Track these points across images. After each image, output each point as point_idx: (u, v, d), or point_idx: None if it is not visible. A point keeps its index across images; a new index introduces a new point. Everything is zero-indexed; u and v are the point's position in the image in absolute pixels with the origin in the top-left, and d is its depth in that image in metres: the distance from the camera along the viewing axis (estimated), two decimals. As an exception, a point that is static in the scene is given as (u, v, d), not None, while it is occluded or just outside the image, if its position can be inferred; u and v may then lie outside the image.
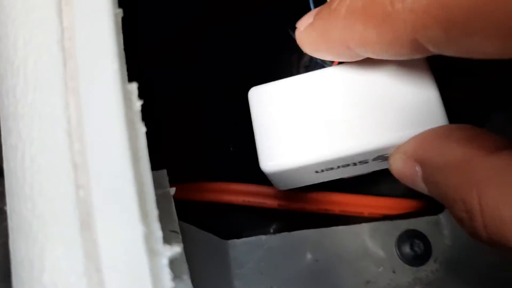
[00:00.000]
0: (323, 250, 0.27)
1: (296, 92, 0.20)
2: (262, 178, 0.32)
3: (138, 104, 0.13)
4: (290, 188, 0.23)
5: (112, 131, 0.12)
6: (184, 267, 0.16)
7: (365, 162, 0.20)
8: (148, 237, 0.12)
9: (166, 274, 0.12)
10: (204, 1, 0.32)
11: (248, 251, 0.26)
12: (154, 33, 0.31)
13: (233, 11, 0.32)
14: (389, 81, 0.19)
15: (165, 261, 0.12)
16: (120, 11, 0.14)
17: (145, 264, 0.11)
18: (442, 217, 0.29)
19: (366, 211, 0.30)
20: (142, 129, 0.13)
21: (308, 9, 0.25)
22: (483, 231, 0.14)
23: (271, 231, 0.31)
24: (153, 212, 0.12)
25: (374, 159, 0.20)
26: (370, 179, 0.32)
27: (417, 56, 0.16)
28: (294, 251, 0.26)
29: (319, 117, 0.19)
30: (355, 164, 0.20)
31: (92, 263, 0.11)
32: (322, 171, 0.20)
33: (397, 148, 0.18)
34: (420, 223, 0.28)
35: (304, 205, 0.30)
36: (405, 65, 0.19)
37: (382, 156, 0.20)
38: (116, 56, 0.13)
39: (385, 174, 0.31)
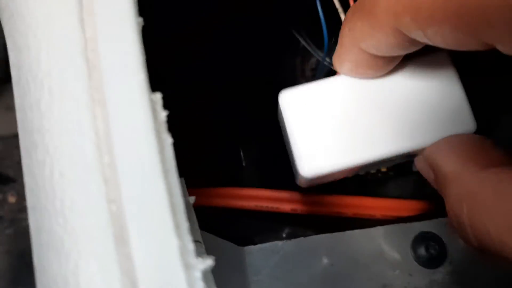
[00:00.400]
0: (339, 254, 0.26)
1: (328, 95, 0.20)
2: (273, 181, 0.32)
3: (163, 114, 0.13)
4: (313, 185, 0.23)
5: (142, 143, 0.12)
6: (210, 277, 0.16)
7: (392, 161, 0.21)
8: (182, 251, 0.11)
9: (200, 286, 0.12)
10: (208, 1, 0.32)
11: (264, 257, 0.26)
12: (160, 36, 0.31)
13: (237, 11, 0.32)
14: (416, 83, 0.20)
15: (198, 275, 0.12)
16: (141, 20, 0.13)
17: (182, 278, 0.11)
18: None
19: (378, 213, 0.30)
20: (168, 139, 0.13)
21: (314, 12, 0.25)
22: (474, 241, 0.15)
23: (284, 235, 0.31)
24: (184, 224, 0.12)
25: (401, 159, 0.21)
26: (379, 181, 0.31)
27: (412, 48, 0.17)
28: (310, 256, 0.26)
29: (352, 121, 0.20)
30: (383, 162, 0.21)
31: (128, 278, 0.11)
32: (354, 168, 0.21)
33: (422, 150, 0.20)
34: (434, 225, 0.28)
35: (317, 208, 0.30)
36: (429, 64, 0.20)
37: (409, 156, 0.21)
38: (141, 67, 0.12)
39: (394, 177, 0.31)
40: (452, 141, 0.18)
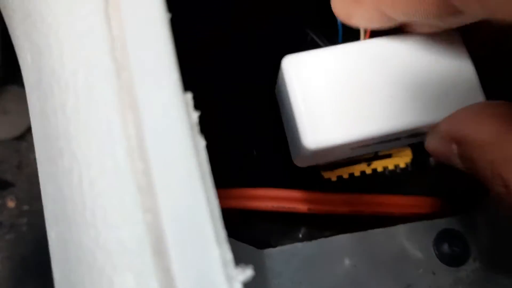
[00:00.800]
0: (361, 255, 0.26)
1: (333, 64, 0.19)
2: (286, 180, 0.31)
3: (195, 115, 0.12)
4: (312, 164, 0.23)
5: (178, 147, 0.11)
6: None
7: (398, 139, 0.20)
8: (223, 261, 0.11)
9: (242, 300, 0.11)
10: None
11: (284, 260, 0.25)
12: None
13: (252, 10, 0.31)
14: (424, 58, 0.19)
15: (239, 286, 0.11)
16: (169, 16, 0.13)
17: (225, 291, 0.10)
18: (477, 214, 0.28)
19: (397, 211, 0.29)
20: (202, 142, 0.12)
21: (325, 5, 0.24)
22: None
23: (300, 236, 0.30)
24: (222, 232, 0.11)
25: (408, 136, 0.20)
26: (398, 178, 0.31)
27: (448, 18, 0.16)
28: (332, 257, 0.25)
29: (358, 93, 0.19)
30: (388, 141, 0.20)
31: (168, 294, 0.10)
32: (358, 147, 0.20)
33: (433, 127, 0.18)
34: (456, 222, 0.28)
35: (334, 207, 0.29)
36: (440, 41, 0.19)
37: (417, 133, 0.20)
38: (174, 65, 0.12)
39: (412, 173, 0.30)
40: (478, 108, 0.18)
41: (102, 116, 0.11)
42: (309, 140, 0.18)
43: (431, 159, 0.32)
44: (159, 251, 0.10)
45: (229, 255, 0.11)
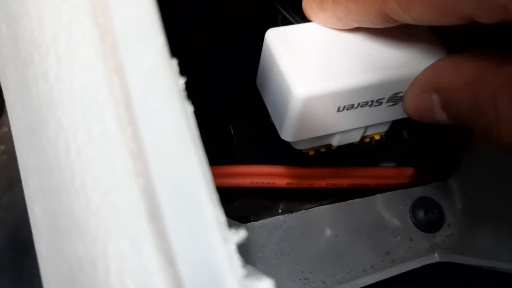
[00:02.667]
0: (341, 225, 0.26)
1: (315, 33, 0.21)
2: (264, 158, 0.31)
3: (181, 81, 0.12)
4: (303, 138, 0.23)
5: (167, 111, 0.11)
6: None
7: (380, 103, 0.21)
8: (219, 223, 0.11)
9: (237, 261, 0.11)
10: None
11: (266, 233, 0.25)
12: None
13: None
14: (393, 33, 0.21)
15: (233, 248, 0.11)
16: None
17: (222, 252, 0.10)
18: (451, 181, 0.29)
19: (373, 182, 0.30)
20: (189, 108, 0.12)
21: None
22: (504, 137, 0.15)
23: (279, 211, 0.30)
24: (215, 195, 0.11)
25: (388, 100, 0.21)
26: (373, 150, 0.31)
27: (389, 24, 0.18)
28: (313, 228, 0.26)
29: (340, 53, 0.20)
30: (371, 105, 0.21)
31: (164, 257, 0.10)
32: (344, 108, 0.21)
33: (410, 84, 0.20)
34: (431, 190, 0.28)
35: (313, 181, 0.29)
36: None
37: (395, 96, 0.21)
38: (159, 28, 0.11)
39: (387, 145, 0.31)
40: (455, 56, 0.18)
41: (87, 81, 0.11)
42: (298, 90, 0.19)
43: (405, 132, 0.32)
44: (153, 215, 0.10)
45: (222, 218, 0.11)
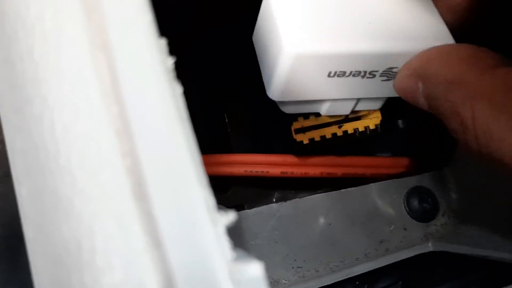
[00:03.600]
0: (335, 213, 0.26)
1: None
2: (259, 147, 0.31)
3: (170, 61, 0.12)
4: (290, 99, 0.22)
5: (154, 90, 0.11)
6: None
7: (373, 76, 0.21)
8: (207, 204, 0.10)
9: (226, 243, 0.11)
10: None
11: (260, 221, 0.25)
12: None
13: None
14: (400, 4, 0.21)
15: (222, 230, 0.11)
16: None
17: (210, 234, 0.10)
18: (446, 171, 0.29)
19: (368, 172, 0.30)
20: (178, 88, 0.12)
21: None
22: (475, 143, 0.16)
23: (274, 200, 0.30)
24: (204, 176, 0.11)
25: (382, 74, 0.21)
26: (368, 140, 0.31)
27: None
28: (307, 216, 0.26)
29: (338, 13, 0.20)
30: (364, 76, 0.20)
31: (150, 237, 0.10)
32: (335, 74, 0.20)
33: (404, 65, 0.19)
34: (425, 179, 0.28)
35: (307, 170, 0.29)
36: None
37: (389, 71, 0.21)
38: (147, 6, 0.11)
39: (382, 135, 0.31)
40: (446, 48, 0.18)
41: (73, 58, 0.11)
42: (290, 46, 0.18)
43: (400, 121, 0.32)
44: (140, 195, 0.10)
45: (211, 200, 0.11)
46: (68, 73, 0.11)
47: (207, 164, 0.29)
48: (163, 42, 0.12)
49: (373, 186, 0.27)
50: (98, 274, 0.10)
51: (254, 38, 0.23)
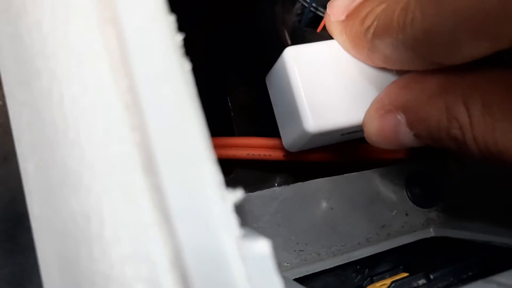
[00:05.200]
0: (338, 198, 0.26)
1: (333, 56, 0.20)
2: (261, 130, 0.31)
3: (178, 37, 0.12)
4: (306, 149, 0.24)
5: (164, 65, 0.10)
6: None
7: None
8: (216, 180, 0.10)
9: (234, 220, 0.11)
10: None
11: (263, 204, 0.25)
12: None
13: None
14: None
15: (230, 207, 0.11)
16: None
17: (219, 209, 0.10)
18: (448, 157, 0.29)
19: (372, 157, 0.30)
20: (187, 65, 0.12)
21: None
22: (478, 140, 0.15)
23: (276, 184, 0.30)
24: (212, 153, 0.11)
25: None
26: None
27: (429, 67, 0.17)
28: (309, 200, 0.26)
29: (356, 83, 0.20)
30: None
31: (159, 211, 0.10)
32: (348, 133, 0.21)
33: (370, 107, 0.19)
34: (428, 165, 0.28)
35: (309, 154, 0.29)
36: None
37: None
38: (158, -19, 0.11)
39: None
40: (413, 75, 0.18)
41: (82, 31, 0.11)
42: (311, 124, 0.19)
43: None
44: (149, 170, 0.10)
45: (219, 176, 0.11)
46: (77, 46, 0.11)
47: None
48: (172, 19, 0.12)
49: (375, 171, 0.27)
50: (107, 247, 0.10)
51: (267, 80, 0.24)
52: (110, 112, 0.10)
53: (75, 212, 0.10)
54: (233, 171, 0.30)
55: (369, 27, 0.17)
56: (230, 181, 0.30)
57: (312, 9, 0.31)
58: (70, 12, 0.11)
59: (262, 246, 0.11)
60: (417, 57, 0.16)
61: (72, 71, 0.10)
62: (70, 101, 0.10)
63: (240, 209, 0.25)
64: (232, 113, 0.31)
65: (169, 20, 0.12)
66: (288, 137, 0.23)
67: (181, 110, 0.10)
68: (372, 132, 0.18)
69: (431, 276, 0.20)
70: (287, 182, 0.29)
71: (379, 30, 0.17)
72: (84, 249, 0.10)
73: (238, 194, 0.11)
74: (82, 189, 0.10)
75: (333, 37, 0.20)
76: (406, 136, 0.18)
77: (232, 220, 0.11)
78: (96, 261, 0.10)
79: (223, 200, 0.11)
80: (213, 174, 0.10)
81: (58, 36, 0.11)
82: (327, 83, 0.20)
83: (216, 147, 0.29)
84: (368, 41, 0.18)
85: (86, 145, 0.10)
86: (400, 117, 0.17)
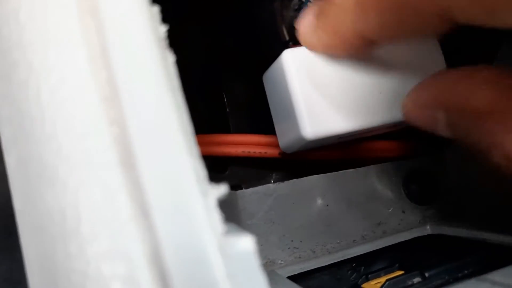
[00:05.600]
0: (333, 195, 0.26)
1: (331, 59, 0.20)
2: (257, 127, 0.30)
3: (162, 29, 0.11)
4: (300, 150, 0.23)
5: (144, 56, 0.10)
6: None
7: (378, 129, 0.21)
8: (197, 174, 0.10)
9: (216, 216, 0.11)
10: None
11: (257, 201, 0.25)
12: None
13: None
14: (406, 59, 0.21)
15: (213, 202, 0.11)
16: None
17: (199, 204, 0.10)
18: (446, 154, 0.28)
19: (367, 155, 0.29)
20: (170, 57, 0.11)
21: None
22: None
23: (272, 182, 0.30)
24: (195, 147, 0.11)
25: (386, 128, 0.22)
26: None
27: (442, 30, 0.15)
28: (304, 197, 0.25)
29: (351, 87, 0.20)
30: (370, 130, 0.21)
31: (138, 206, 0.10)
32: (345, 137, 0.21)
33: (410, 96, 0.18)
34: (425, 162, 0.28)
35: (306, 152, 0.29)
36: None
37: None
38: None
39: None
40: (462, 73, 0.16)
41: (60, 21, 0.10)
42: (307, 131, 0.19)
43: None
44: (127, 164, 0.10)
45: (202, 171, 0.11)
46: (55, 36, 0.10)
47: (205, 144, 0.29)
48: (155, 9, 0.11)
49: (372, 168, 0.27)
50: (83, 243, 0.10)
51: (264, 79, 0.24)
52: (87, 105, 0.10)
53: (51, 207, 0.10)
54: (228, 168, 0.30)
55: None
56: (225, 178, 0.29)
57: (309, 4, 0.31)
58: (48, 1, 0.10)
59: (245, 243, 0.11)
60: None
61: (50, 62, 0.10)
62: (47, 94, 0.10)
63: (233, 205, 0.25)
64: (228, 109, 0.31)
65: (152, 11, 0.11)
66: (284, 139, 0.23)
67: (162, 103, 0.10)
68: (411, 117, 0.18)
69: (426, 274, 0.20)
70: (283, 180, 0.29)
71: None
72: (60, 246, 0.10)
73: (222, 189, 0.11)
74: (58, 184, 0.10)
75: (316, 49, 0.20)
76: (443, 132, 0.17)
77: (214, 215, 0.11)
78: (72, 258, 0.10)
79: (205, 194, 0.10)
80: (194, 168, 0.10)
81: (36, 26, 0.10)
82: (325, 87, 0.20)
83: (211, 144, 0.28)
84: (351, 11, 0.17)
85: (63, 138, 0.10)
86: (440, 116, 0.16)
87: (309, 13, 0.19)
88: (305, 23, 0.20)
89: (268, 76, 0.23)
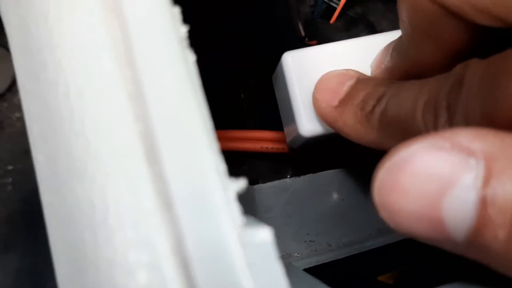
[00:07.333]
0: (348, 189, 0.26)
1: (330, 59, 0.21)
2: (274, 123, 0.31)
3: (183, 29, 0.12)
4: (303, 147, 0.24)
5: (167, 56, 0.11)
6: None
7: None
8: (218, 169, 0.11)
9: (236, 208, 0.11)
10: None
11: (274, 195, 0.25)
12: None
13: None
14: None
15: (233, 196, 0.11)
16: None
17: (220, 198, 0.10)
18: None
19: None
20: (191, 56, 0.12)
21: None
22: None
23: (288, 177, 0.30)
24: (215, 143, 0.11)
25: None
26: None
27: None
28: (320, 191, 0.26)
29: None
30: None
31: (161, 198, 0.10)
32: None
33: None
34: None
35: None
36: None
37: None
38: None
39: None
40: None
41: (86, 23, 0.11)
42: (305, 129, 0.21)
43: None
44: (152, 158, 0.10)
45: (222, 166, 0.11)
46: (81, 37, 0.11)
47: (224, 139, 0.29)
48: (176, 10, 0.12)
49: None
50: (111, 233, 0.10)
51: (273, 79, 0.25)
52: (113, 102, 0.11)
53: (80, 199, 0.11)
54: (246, 163, 0.31)
55: (371, 112, 0.16)
56: (243, 173, 0.30)
57: (325, 0, 0.31)
58: (75, 3, 0.11)
59: (263, 234, 0.11)
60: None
61: (77, 61, 0.11)
62: (76, 92, 0.11)
63: (251, 199, 0.25)
64: (244, 106, 0.31)
65: (173, 12, 0.12)
66: (289, 136, 0.24)
67: (184, 101, 0.10)
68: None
69: (440, 267, 0.20)
70: (299, 174, 0.30)
71: (388, 118, 0.16)
72: (89, 236, 0.10)
73: (241, 183, 0.12)
74: (87, 177, 0.11)
75: (326, 122, 0.20)
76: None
77: (234, 208, 0.11)
78: (100, 247, 0.10)
79: (225, 188, 0.11)
80: (215, 163, 0.11)
81: (63, 28, 0.11)
82: None
83: (228, 139, 0.29)
84: (373, 126, 0.16)
85: (91, 134, 0.11)
86: (475, 165, 0.10)
87: (329, 90, 0.19)
88: (325, 97, 0.19)
89: (274, 77, 0.24)
